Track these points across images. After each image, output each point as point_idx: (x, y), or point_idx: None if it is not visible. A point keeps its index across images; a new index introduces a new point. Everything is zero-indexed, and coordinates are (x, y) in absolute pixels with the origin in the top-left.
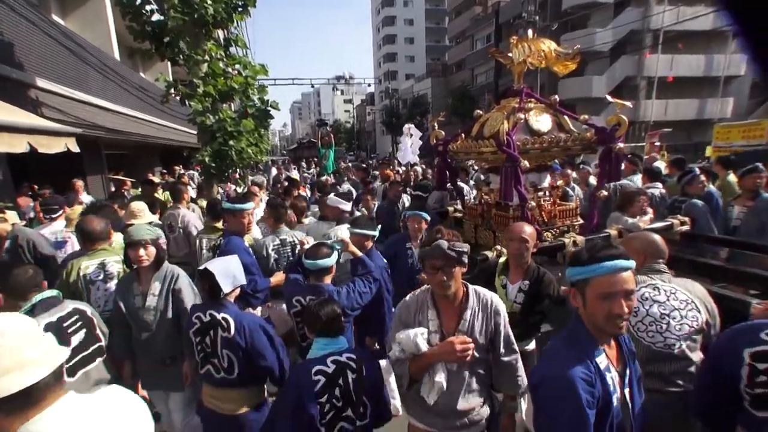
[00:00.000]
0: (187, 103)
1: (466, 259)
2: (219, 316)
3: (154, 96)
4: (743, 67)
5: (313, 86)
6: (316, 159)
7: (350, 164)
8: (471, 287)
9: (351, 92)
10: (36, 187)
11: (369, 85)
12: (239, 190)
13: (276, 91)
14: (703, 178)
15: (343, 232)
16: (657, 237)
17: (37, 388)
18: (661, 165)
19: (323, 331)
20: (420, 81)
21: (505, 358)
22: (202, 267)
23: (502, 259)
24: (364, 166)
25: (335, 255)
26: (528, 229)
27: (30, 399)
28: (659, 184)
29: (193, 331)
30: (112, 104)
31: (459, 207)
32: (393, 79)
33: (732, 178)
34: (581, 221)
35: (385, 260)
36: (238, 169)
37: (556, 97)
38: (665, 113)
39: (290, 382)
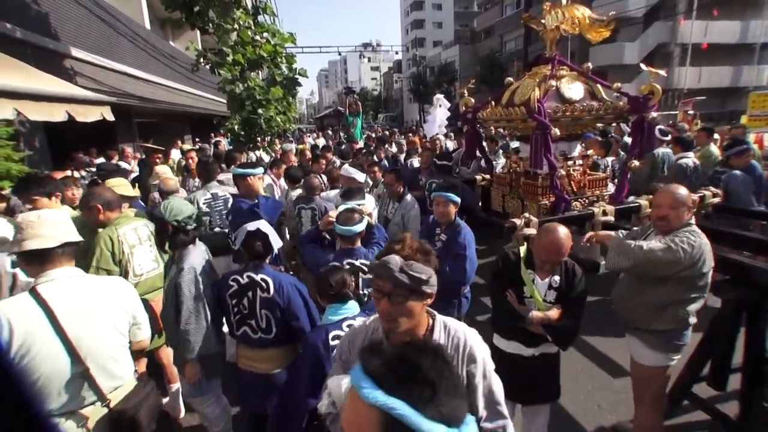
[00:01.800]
0: (216, 71)
1: (429, 289)
2: (258, 278)
3: (184, 65)
4: None
5: (340, 54)
6: (342, 126)
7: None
8: (440, 319)
9: (378, 60)
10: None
11: (396, 52)
12: (266, 158)
13: (303, 60)
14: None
15: (369, 202)
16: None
17: (49, 252)
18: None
19: (335, 297)
20: (448, 48)
21: (488, 426)
22: (253, 227)
23: (523, 249)
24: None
25: (365, 220)
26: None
27: (44, 258)
28: (691, 154)
29: (230, 293)
30: (143, 73)
31: (487, 176)
32: (420, 46)
33: (714, 148)
34: (611, 191)
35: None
36: (267, 137)
37: (589, 64)
38: (699, 81)
39: (309, 346)
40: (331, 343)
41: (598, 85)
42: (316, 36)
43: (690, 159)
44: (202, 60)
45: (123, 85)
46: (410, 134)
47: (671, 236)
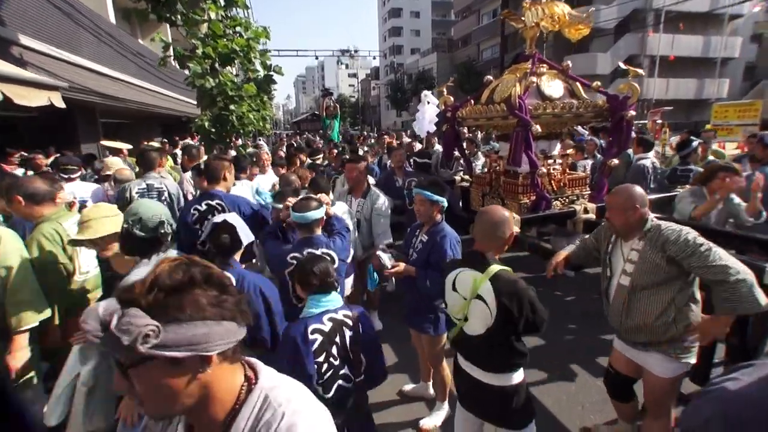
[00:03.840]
0: (185, 66)
1: (166, 351)
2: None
3: (153, 63)
4: (738, 49)
5: (317, 58)
6: (320, 131)
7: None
8: (261, 391)
9: (356, 66)
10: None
11: (374, 57)
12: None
13: (279, 64)
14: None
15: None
16: None
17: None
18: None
19: (318, 288)
20: (425, 56)
21: None
22: (220, 219)
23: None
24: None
25: (323, 208)
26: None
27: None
28: (651, 155)
29: None
30: (107, 69)
31: (466, 177)
32: (398, 53)
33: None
34: (590, 191)
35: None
36: (240, 137)
37: (569, 62)
38: (666, 92)
39: (286, 341)
40: (311, 337)
41: (578, 84)
42: (292, 42)
43: (648, 160)
44: (170, 53)
45: (84, 80)
46: (385, 136)
47: (685, 235)
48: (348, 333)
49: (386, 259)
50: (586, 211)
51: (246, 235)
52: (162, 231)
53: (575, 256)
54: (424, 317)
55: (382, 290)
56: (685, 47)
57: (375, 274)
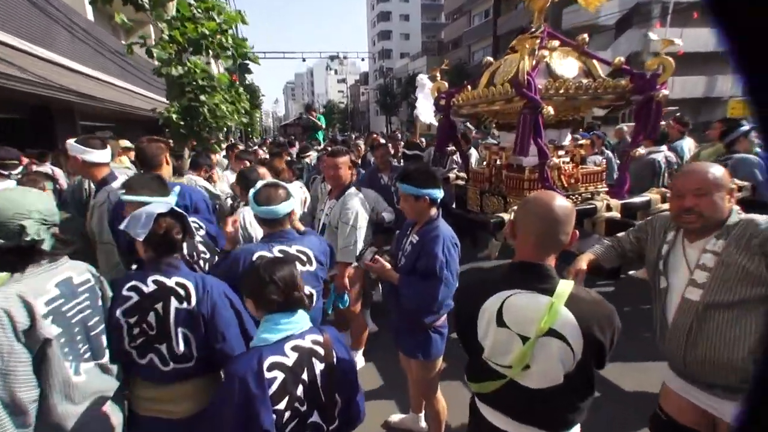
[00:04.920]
0: (151, 54)
1: None
2: (171, 282)
3: (136, 64)
4: None
5: (304, 60)
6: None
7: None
8: None
9: (345, 72)
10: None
11: (363, 59)
12: (217, 157)
13: (267, 70)
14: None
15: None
16: None
17: None
18: (688, 143)
19: (281, 306)
20: (415, 59)
21: None
22: (163, 207)
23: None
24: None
25: (292, 200)
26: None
27: None
28: (664, 148)
29: (126, 309)
30: (84, 67)
31: (461, 174)
32: (387, 57)
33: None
34: (606, 188)
35: None
36: (212, 131)
37: (585, 36)
38: (671, 91)
39: (231, 383)
40: (267, 375)
41: (595, 62)
42: (280, 47)
43: (661, 153)
44: (138, 41)
45: (58, 78)
46: (374, 134)
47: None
48: (318, 366)
49: (368, 253)
50: (608, 208)
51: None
52: (30, 237)
53: (603, 260)
54: (412, 338)
55: (367, 297)
56: (694, 42)
57: (342, 295)
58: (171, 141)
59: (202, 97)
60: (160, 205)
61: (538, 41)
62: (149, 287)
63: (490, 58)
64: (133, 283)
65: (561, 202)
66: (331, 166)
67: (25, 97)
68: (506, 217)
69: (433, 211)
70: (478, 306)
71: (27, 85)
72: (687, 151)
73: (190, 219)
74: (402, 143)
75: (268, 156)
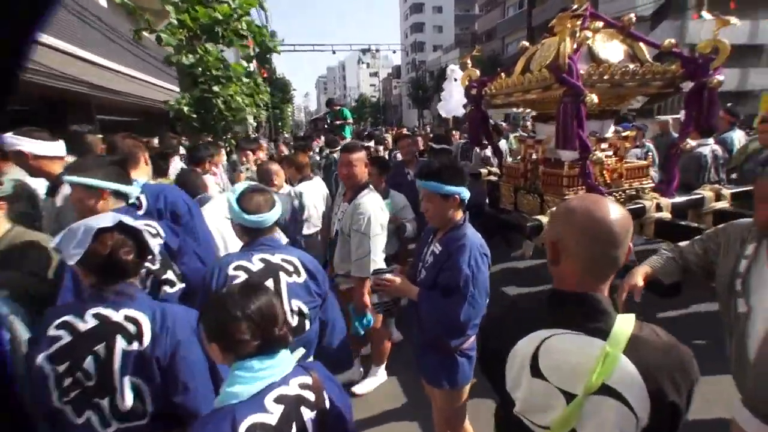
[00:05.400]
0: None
1: None
2: (118, 316)
3: (157, 56)
4: None
5: (334, 52)
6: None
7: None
8: None
9: (377, 65)
10: None
11: (394, 51)
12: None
13: (299, 64)
14: None
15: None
16: None
17: None
18: (738, 135)
19: (258, 348)
20: (448, 52)
21: None
22: (110, 221)
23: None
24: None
25: (279, 205)
26: None
27: None
28: (710, 141)
29: (52, 354)
30: (99, 58)
31: (494, 169)
32: (420, 50)
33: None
34: (651, 184)
35: None
36: (230, 126)
37: (632, 16)
38: None
39: None
40: None
41: (641, 44)
42: (311, 40)
43: (708, 147)
44: (146, 27)
45: (65, 66)
46: (402, 130)
47: None
48: (308, 414)
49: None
50: (658, 208)
51: (154, 244)
52: None
53: (662, 274)
54: (436, 362)
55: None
56: (731, 34)
57: (363, 315)
58: (183, 136)
59: (216, 88)
60: (106, 217)
61: (579, 22)
62: (88, 323)
63: (526, 43)
64: (64, 319)
65: (616, 213)
66: (345, 163)
67: (37, 89)
68: (544, 220)
69: (460, 214)
70: (507, 347)
71: (37, 75)
72: (737, 144)
73: (144, 223)
74: (431, 135)
75: (289, 152)
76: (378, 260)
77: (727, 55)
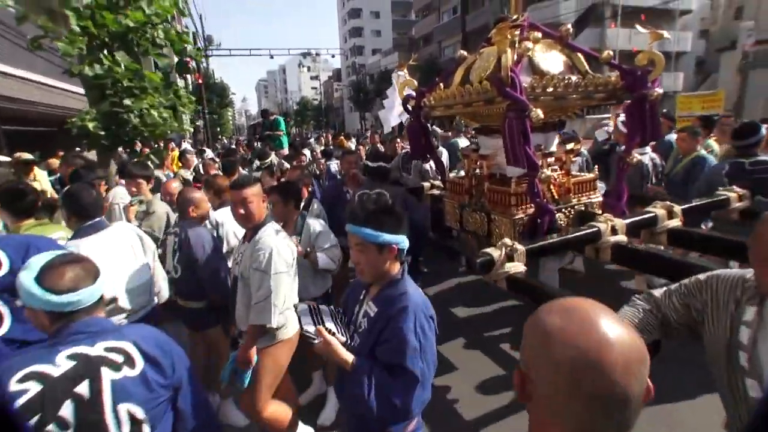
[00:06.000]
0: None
1: None
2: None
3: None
4: (689, 44)
5: (272, 57)
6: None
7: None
8: None
9: (318, 69)
10: None
11: (333, 56)
12: (163, 175)
13: (238, 68)
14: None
15: None
16: None
17: None
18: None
19: None
20: (387, 55)
21: None
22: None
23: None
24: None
25: (102, 278)
26: None
27: None
28: (648, 149)
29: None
30: (2, 65)
31: (437, 183)
32: (360, 54)
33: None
34: (599, 198)
35: None
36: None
37: (569, 26)
38: None
39: None
40: None
41: (580, 55)
42: (249, 44)
43: (647, 156)
44: (47, 35)
45: None
46: (340, 135)
47: None
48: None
49: (300, 309)
50: (614, 230)
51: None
52: None
53: (642, 330)
54: None
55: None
56: (643, 42)
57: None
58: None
59: (128, 101)
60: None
61: (518, 32)
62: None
63: (464, 52)
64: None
65: (624, 342)
66: (238, 201)
67: None
68: (495, 255)
69: (397, 267)
70: None
71: None
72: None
73: None
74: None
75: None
76: (282, 303)
77: (663, 67)
